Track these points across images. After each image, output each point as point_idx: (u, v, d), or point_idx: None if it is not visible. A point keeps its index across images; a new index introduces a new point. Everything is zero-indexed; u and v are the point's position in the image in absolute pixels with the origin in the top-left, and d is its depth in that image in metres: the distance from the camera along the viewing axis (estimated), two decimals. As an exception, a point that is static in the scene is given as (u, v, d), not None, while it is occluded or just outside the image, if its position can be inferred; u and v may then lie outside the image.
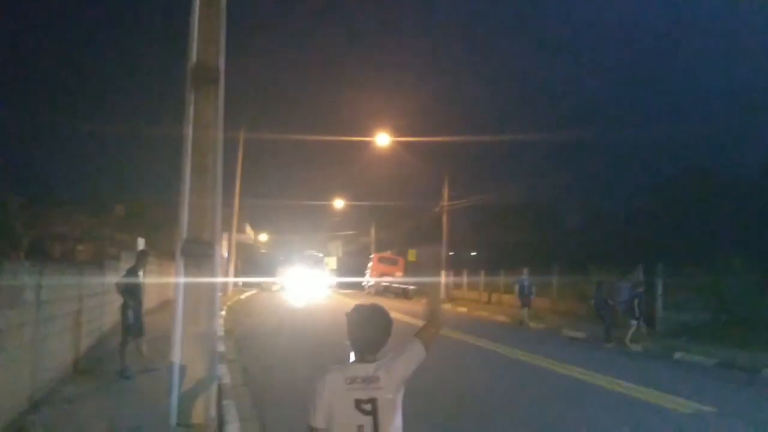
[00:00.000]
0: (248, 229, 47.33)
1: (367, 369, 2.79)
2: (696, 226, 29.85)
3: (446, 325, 3.03)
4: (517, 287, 21.84)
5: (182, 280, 5.32)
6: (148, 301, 10.36)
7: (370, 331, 2.86)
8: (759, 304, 17.28)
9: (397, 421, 2.78)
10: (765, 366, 12.45)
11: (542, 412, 8.45)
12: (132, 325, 9.36)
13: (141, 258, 10.16)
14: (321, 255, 50.63)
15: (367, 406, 2.70)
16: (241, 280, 41.57)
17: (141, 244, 16.42)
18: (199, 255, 5.40)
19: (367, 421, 2.69)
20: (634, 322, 16.08)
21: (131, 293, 9.48)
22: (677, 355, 14.46)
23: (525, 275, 21.88)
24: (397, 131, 36.53)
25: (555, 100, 65.17)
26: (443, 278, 37.67)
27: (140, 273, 9.85)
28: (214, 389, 5.29)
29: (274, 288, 43.52)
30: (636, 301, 16.25)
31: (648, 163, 38.45)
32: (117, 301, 11.39)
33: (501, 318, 24.53)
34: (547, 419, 8.07)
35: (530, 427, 7.67)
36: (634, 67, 55.97)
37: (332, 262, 62.50)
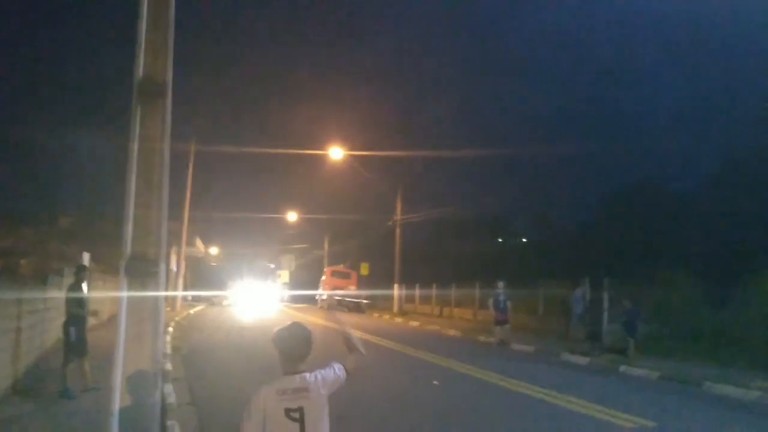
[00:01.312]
0: (198, 243, 46.58)
1: (296, 381, 3.19)
2: (641, 239, 30.59)
3: (364, 359, 3.68)
4: (491, 302, 20.05)
5: (125, 298, 5.19)
6: (92, 318, 10.08)
7: (294, 346, 3.28)
8: (701, 317, 17.73)
9: (324, 428, 3.20)
10: (706, 379, 12.79)
11: (478, 425, 8.51)
12: (74, 343, 9.09)
13: (80, 273, 9.80)
14: (272, 266, 50.18)
15: (296, 414, 3.09)
16: (189, 294, 40.84)
17: (86, 258, 16.00)
18: (144, 273, 5.28)
19: (294, 427, 3.07)
20: (630, 339, 16.33)
21: (78, 309, 9.23)
22: (622, 368, 14.76)
23: (500, 288, 20.13)
24: (351, 145, 36.63)
25: (507, 115, 66.31)
26: (396, 291, 37.78)
27: (83, 288, 9.58)
28: (157, 409, 5.17)
29: (225, 303, 42.88)
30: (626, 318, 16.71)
31: (597, 176, 39.40)
32: (59, 318, 11.06)
33: (452, 332, 24.68)
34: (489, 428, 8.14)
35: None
36: (586, 83, 57.43)
37: (285, 275, 62.00)
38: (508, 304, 19.80)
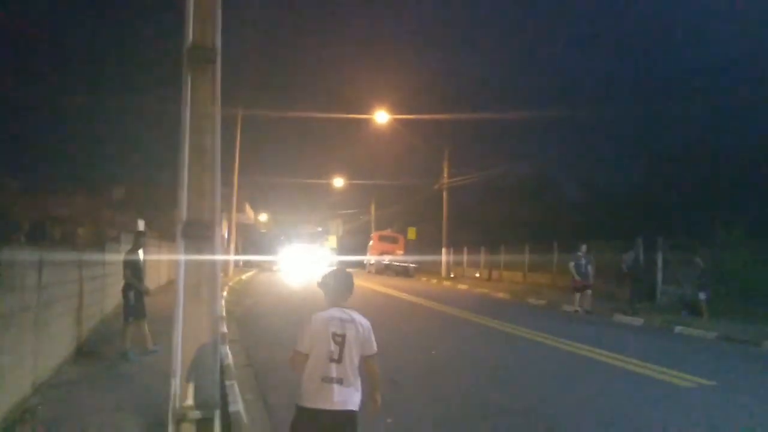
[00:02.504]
0: (248, 209, 47.28)
1: (343, 313, 3.91)
2: (695, 199, 29.79)
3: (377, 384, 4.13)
4: (572, 266, 18.76)
5: (183, 261, 5.30)
6: (148, 284, 10.37)
7: (339, 286, 4.02)
8: (759, 276, 17.29)
9: (356, 357, 3.86)
10: (765, 339, 12.51)
11: (542, 386, 8.49)
12: (133, 306, 9.41)
13: (138, 238, 10.17)
14: (320, 229, 50.52)
15: (339, 339, 3.80)
16: (241, 258, 41.60)
17: (141, 225, 16.43)
18: (200, 237, 5.36)
19: (336, 349, 3.79)
20: (702, 296, 16.37)
21: (134, 271, 9.53)
22: (678, 329, 14.53)
23: (582, 251, 18.85)
24: (397, 108, 36.49)
25: (556, 75, 64.68)
26: (443, 255, 37.78)
27: (140, 254, 9.87)
28: (217, 370, 5.29)
29: (275, 268, 43.53)
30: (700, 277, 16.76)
31: (648, 136, 38.23)
32: (118, 283, 11.41)
33: (501, 295, 24.63)
34: (546, 392, 8.10)
35: (529, 400, 7.68)
36: (636, 40, 55.46)
37: (332, 240, 62.54)
38: (590, 268, 18.63)
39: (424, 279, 36.57)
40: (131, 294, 9.43)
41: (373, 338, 3.97)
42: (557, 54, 66.07)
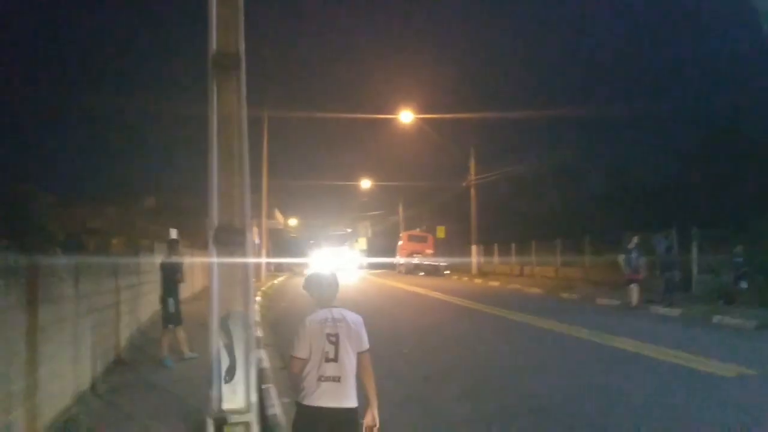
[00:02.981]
0: (277, 215, 47.61)
1: (334, 313, 4.01)
2: (729, 189, 29.23)
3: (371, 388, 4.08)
4: (622, 258, 17.86)
5: (216, 267, 5.34)
6: (181, 292, 10.49)
7: (327, 287, 4.13)
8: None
9: (352, 354, 3.95)
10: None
11: (581, 378, 8.40)
12: (173, 314, 9.52)
13: (172, 247, 10.30)
14: (349, 230, 50.64)
15: (333, 338, 3.91)
16: (273, 261, 41.85)
17: (173, 233, 16.61)
18: (231, 242, 5.40)
19: (332, 348, 3.90)
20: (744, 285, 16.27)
21: (173, 281, 9.64)
22: (716, 318, 14.27)
23: (633, 244, 17.80)
24: (421, 108, 36.38)
25: (582, 67, 63.98)
26: (473, 252, 37.62)
27: (176, 262, 9.99)
28: (253, 374, 5.33)
29: (306, 272, 43.76)
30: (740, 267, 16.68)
31: (677, 127, 37.55)
32: (152, 292, 11.57)
33: (534, 290, 24.45)
34: (587, 383, 8.00)
35: (567, 393, 7.61)
36: (664, 30, 54.62)
37: (362, 242, 62.66)
38: (642, 261, 17.50)
39: (454, 277, 36.46)
40: (170, 301, 9.54)
41: (364, 334, 4.05)
42: (585, 44, 65.39)
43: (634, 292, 17.12)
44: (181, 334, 9.65)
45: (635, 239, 17.85)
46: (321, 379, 3.87)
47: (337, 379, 3.87)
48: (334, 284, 4.16)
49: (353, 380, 3.95)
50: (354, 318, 4.04)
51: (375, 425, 4.02)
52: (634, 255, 17.45)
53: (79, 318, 7.22)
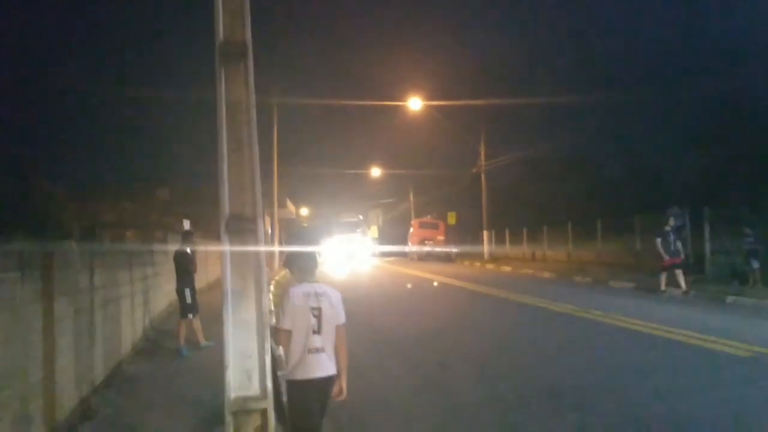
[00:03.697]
0: (289, 204, 47.68)
1: (316, 288, 4.26)
2: (741, 168, 28.99)
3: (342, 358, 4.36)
4: (659, 242, 16.30)
5: (228, 256, 5.36)
6: (195, 282, 10.56)
7: (307, 261, 4.42)
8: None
9: (332, 326, 4.21)
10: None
11: (597, 358, 8.39)
12: (189, 304, 9.63)
13: (187, 238, 10.39)
14: (360, 217, 50.47)
15: (316, 312, 4.15)
16: (285, 250, 41.91)
17: (187, 225, 16.68)
18: (243, 231, 5.42)
19: (315, 321, 4.14)
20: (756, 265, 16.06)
21: (188, 271, 9.75)
22: (730, 299, 14.20)
23: (671, 224, 16.55)
24: (430, 94, 36.28)
25: (593, 51, 63.36)
26: (485, 238, 37.56)
27: (190, 252, 10.06)
28: (268, 361, 5.35)
29: (320, 260, 43.68)
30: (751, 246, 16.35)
31: (689, 108, 37.14)
32: (167, 283, 11.64)
33: (547, 275, 24.40)
34: (605, 363, 7.99)
35: (577, 371, 7.60)
36: (676, 10, 53.95)
37: (374, 230, 62.71)
38: (679, 244, 16.39)
39: (466, 263, 36.43)
40: (187, 291, 9.64)
41: (342, 308, 4.29)
42: (597, 27, 64.74)
43: (678, 277, 15.84)
44: (197, 323, 9.74)
45: (671, 219, 16.75)
46: (309, 351, 4.12)
47: (321, 350, 4.14)
48: (313, 261, 4.42)
49: (333, 350, 4.22)
50: (334, 293, 4.29)
51: (342, 395, 4.30)
52: (672, 237, 16.24)
53: (94, 309, 7.28)
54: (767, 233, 17.36)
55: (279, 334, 4.28)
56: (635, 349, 9.34)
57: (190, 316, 9.62)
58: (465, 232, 43.59)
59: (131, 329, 9.72)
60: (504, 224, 37.76)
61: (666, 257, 16.13)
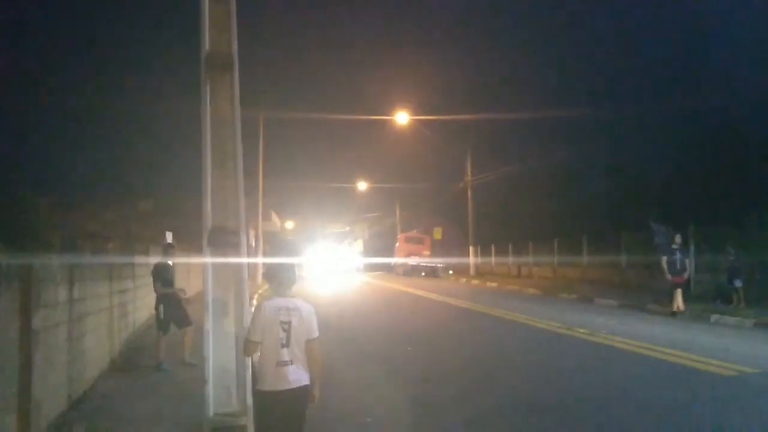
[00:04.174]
0: (274, 218, 47.50)
1: (288, 302, 4.28)
2: (725, 187, 29.25)
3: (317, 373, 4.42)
4: (664, 260, 15.74)
5: (210, 269, 5.30)
6: (180, 293, 10.36)
7: (285, 274, 4.39)
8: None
9: (302, 340, 4.25)
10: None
11: (573, 378, 8.35)
12: (163, 320, 9.34)
13: (167, 251, 10.23)
14: (347, 228, 50.28)
15: (286, 326, 4.20)
16: (267, 260, 41.61)
17: (169, 237, 16.54)
18: (225, 244, 5.36)
19: (284, 335, 4.19)
20: (738, 284, 16.05)
21: (164, 277, 9.52)
22: (713, 317, 14.26)
23: (677, 243, 15.93)
24: (418, 109, 36.33)
25: (578, 67, 63.99)
26: (471, 254, 37.57)
27: (170, 266, 9.88)
28: (247, 377, 5.28)
29: (302, 274, 43.44)
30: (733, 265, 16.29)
31: (676, 125, 37.45)
32: (148, 296, 11.50)
33: (532, 291, 24.41)
34: (580, 384, 7.96)
35: (560, 394, 7.56)
36: (660, 29, 54.65)
37: (359, 244, 62.57)
38: (686, 263, 15.92)
39: (452, 278, 36.41)
40: (161, 307, 9.39)
41: (314, 323, 4.33)
42: (582, 45, 65.44)
43: (679, 296, 15.38)
44: (189, 336, 9.50)
45: (678, 237, 16.09)
46: (277, 364, 4.20)
47: (290, 363, 4.22)
48: (291, 275, 4.42)
49: (304, 362, 4.28)
50: (307, 308, 4.33)
51: (313, 402, 4.41)
52: (678, 256, 15.68)
53: (73, 322, 7.15)
54: (754, 249, 17.52)
55: (248, 345, 4.34)
56: (619, 365, 9.32)
57: (161, 332, 9.32)
58: (451, 246, 43.62)
59: (110, 343, 9.56)
60: (490, 239, 37.82)
61: (669, 276, 15.61)
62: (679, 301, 15.33)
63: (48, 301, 6.26)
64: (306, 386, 4.29)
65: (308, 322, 4.29)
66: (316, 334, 4.34)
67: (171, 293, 9.54)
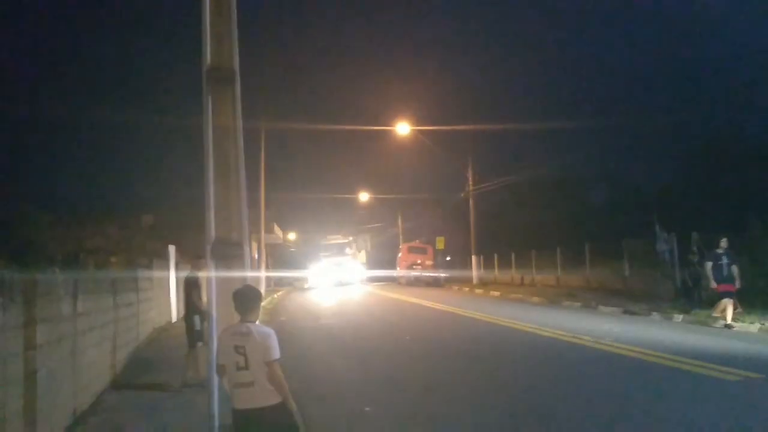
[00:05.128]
0: (276, 229, 47.52)
1: (243, 328, 4.36)
2: (726, 194, 29.25)
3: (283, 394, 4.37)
4: (709, 266, 14.16)
5: (214, 280, 5.32)
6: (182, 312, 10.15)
7: (244, 301, 4.47)
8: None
9: (261, 362, 4.27)
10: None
11: (582, 384, 8.33)
12: (200, 331, 8.87)
13: (197, 265, 9.39)
14: (350, 238, 49.88)
15: (241, 350, 4.29)
16: (272, 274, 41.63)
17: (171, 251, 16.56)
18: (229, 256, 5.38)
19: (241, 358, 4.28)
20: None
21: (199, 298, 9.12)
22: (719, 323, 14.19)
23: (723, 248, 14.16)
24: (420, 120, 36.47)
25: (579, 77, 64.23)
26: (473, 263, 37.51)
27: (201, 278, 9.42)
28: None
29: (305, 286, 43.39)
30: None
31: (677, 133, 37.48)
32: (152, 309, 11.49)
33: (536, 299, 24.34)
34: (592, 390, 7.95)
35: (562, 400, 7.55)
36: (660, 37, 54.90)
37: (362, 255, 62.51)
38: (734, 269, 13.90)
39: (455, 288, 36.32)
40: (196, 318, 8.99)
41: (271, 345, 4.35)
42: (583, 54, 65.71)
43: (729, 307, 13.73)
44: (203, 353, 9.03)
45: (724, 242, 14.27)
46: (236, 386, 4.34)
47: (250, 384, 4.30)
48: (249, 300, 4.51)
49: (266, 384, 4.31)
50: (262, 331, 4.39)
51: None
52: (725, 261, 13.96)
53: (77, 336, 7.16)
54: (755, 259, 17.46)
55: (217, 368, 4.55)
56: (623, 372, 9.30)
57: (200, 344, 8.81)
58: (454, 256, 43.54)
59: (113, 357, 9.56)
60: (493, 249, 37.76)
61: (714, 284, 14.03)
62: (729, 313, 13.69)
63: (52, 315, 6.27)
64: (276, 405, 4.34)
65: (263, 345, 4.33)
66: (275, 356, 4.36)
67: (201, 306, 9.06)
